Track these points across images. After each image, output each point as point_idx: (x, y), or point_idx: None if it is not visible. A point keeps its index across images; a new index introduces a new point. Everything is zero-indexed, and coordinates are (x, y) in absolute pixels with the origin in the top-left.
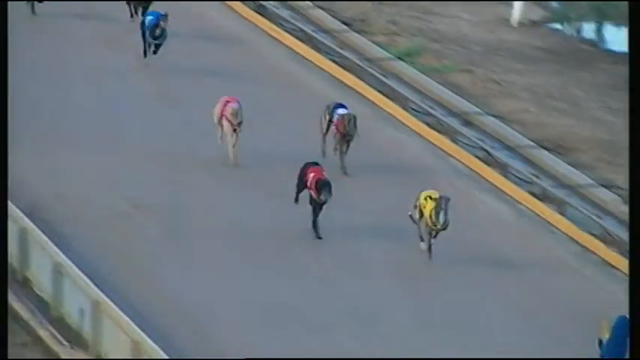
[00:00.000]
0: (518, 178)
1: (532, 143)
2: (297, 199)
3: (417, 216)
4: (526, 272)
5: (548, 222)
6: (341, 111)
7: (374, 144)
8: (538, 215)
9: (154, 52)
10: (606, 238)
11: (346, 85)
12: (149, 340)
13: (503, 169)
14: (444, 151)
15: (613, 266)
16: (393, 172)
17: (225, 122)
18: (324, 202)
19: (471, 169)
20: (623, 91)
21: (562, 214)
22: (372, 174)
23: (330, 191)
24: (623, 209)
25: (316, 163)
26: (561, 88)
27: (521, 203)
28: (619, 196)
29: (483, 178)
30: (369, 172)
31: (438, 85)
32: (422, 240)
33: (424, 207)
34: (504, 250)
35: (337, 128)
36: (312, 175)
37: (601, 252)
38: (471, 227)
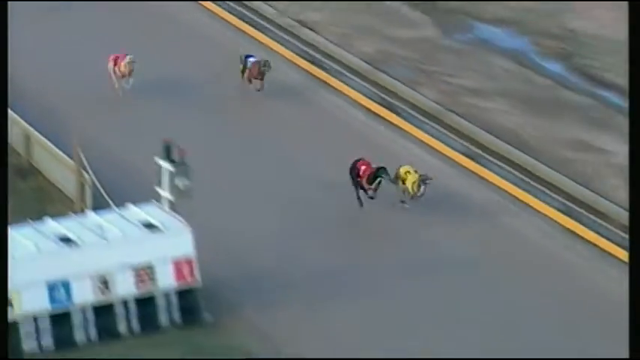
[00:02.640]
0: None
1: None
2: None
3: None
4: None
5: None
6: (252, 59)
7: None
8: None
9: None
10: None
11: None
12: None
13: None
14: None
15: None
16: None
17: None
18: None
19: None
20: None
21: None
22: None
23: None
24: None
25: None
26: None
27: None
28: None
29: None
30: None
31: None
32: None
33: (405, 179)
34: None
35: (252, 72)
36: (363, 168)
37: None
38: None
